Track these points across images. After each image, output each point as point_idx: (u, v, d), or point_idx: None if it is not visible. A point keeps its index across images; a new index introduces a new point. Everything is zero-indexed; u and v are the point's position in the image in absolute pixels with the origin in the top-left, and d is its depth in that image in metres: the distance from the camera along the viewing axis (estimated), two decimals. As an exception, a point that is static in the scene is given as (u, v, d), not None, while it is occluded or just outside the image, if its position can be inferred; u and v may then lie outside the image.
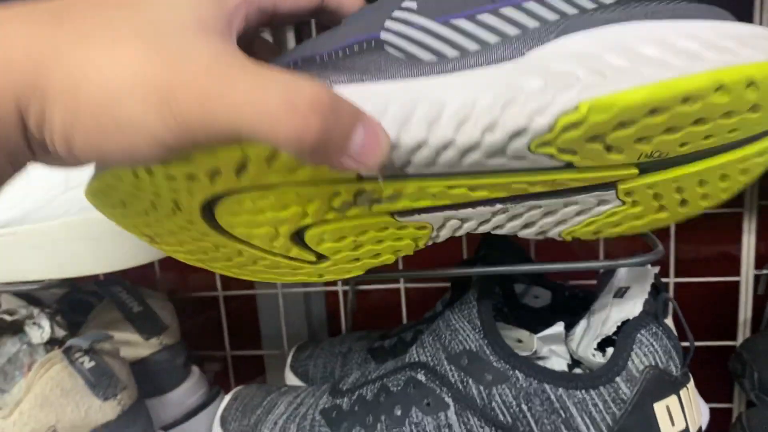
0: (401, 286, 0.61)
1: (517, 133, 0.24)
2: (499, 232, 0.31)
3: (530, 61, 0.24)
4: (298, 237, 0.29)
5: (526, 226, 0.30)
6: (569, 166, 0.26)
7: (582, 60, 0.24)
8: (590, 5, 0.25)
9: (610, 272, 0.41)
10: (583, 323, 0.39)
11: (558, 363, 0.39)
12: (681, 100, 0.23)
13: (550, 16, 0.25)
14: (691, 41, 0.23)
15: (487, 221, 0.30)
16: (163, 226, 0.29)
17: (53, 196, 0.38)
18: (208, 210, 0.28)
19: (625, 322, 0.36)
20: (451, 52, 0.25)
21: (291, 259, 0.31)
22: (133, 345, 0.50)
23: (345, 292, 0.63)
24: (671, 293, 0.58)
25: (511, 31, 0.25)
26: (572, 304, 0.46)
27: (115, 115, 0.19)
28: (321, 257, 0.31)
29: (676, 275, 0.57)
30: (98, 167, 0.26)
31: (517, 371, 0.35)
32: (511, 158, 0.25)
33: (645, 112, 0.23)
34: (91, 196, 0.28)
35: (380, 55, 0.25)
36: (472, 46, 0.25)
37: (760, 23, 0.50)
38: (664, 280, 0.57)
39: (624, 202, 0.29)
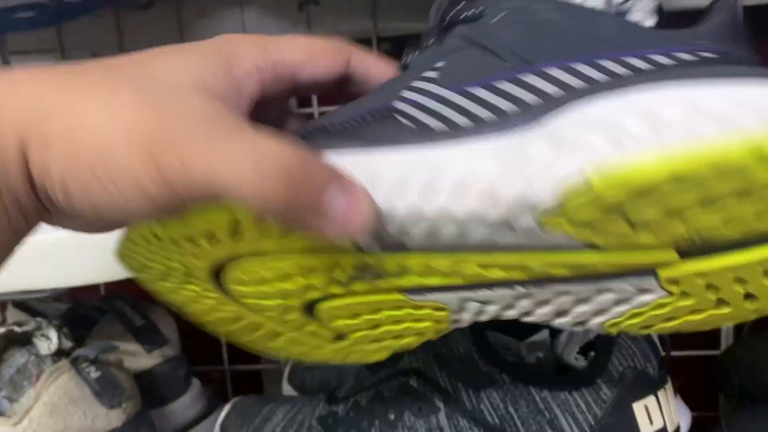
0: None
1: (519, 205, 0.21)
2: (529, 319, 0.27)
3: (543, 128, 0.22)
4: (310, 312, 0.28)
5: (558, 314, 0.26)
6: (593, 247, 0.22)
7: (595, 124, 0.20)
8: (621, 70, 0.22)
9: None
10: (567, 330, 0.41)
11: (544, 369, 0.41)
12: (713, 174, 0.19)
13: (575, 83, 0.22)
14: (728, 104, 0.19)
15: (511, 306, 0.26)
16: (184, 294, 0.29)
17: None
18: (216, 278, 0.27)
19: (606, 327, 0.38)
20: (463, 121, 0.23)
21: (310, 335, 0.29)
22: (136, 357, 0.51)
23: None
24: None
25: (530, 99, 0.23)
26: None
27: (108, 164, 0.20)
28: (339, 336, 0.29)
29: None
30: (112, 228, 0.26)
31: (504, 375, 0.37)
32: (522, 236, 0.22)
33: (668, 184, 0.19)
34: (119, 260, 0.29)
35: (389, 125, 0.24)
36: (485, 114, 0.23)
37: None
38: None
39: (671, 293, 0.24)
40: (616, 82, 0.22)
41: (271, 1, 0.57)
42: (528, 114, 0.22)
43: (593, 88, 0.22)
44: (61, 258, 0.40)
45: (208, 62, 0.23)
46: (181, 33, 0.59)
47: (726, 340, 0.58)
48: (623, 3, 0.24)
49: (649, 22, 0.24)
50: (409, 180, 0.22)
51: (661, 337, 0.45)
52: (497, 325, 0.44)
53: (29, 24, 0.56)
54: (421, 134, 0.23)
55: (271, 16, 0.58)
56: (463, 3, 0.25)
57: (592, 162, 0.20)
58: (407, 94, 0.24)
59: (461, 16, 0.25)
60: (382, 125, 0.24)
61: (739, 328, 0.57)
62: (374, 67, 0.28)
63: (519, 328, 0.43)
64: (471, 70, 0.24)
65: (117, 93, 0.21)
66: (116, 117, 0.20)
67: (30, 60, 0.62)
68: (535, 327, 0.42)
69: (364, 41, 0.63)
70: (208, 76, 0.22)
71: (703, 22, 0.24)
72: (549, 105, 0.22)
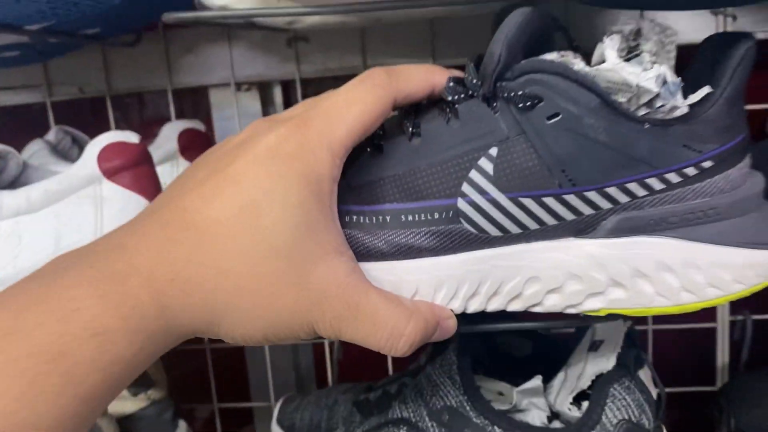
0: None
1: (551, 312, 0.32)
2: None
3: (575, 253, 0.30)
4: None
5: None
6: None
7: (615, 273, 0.30)
8: (641, 192, 0.29)
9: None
10: (560, 376, 0.41)
11: (538, 415, 0.40)
12: None
13: (604, 204, 0.29)
14: (702, 275, 0.30)
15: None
16: None
17: (45, 256, 0.39)
18: None
19: (599, 376, 0.37)
20: (514, 229, 0.30)
21: None
22: (121, 401, 0.50)
23: (331, 343, 0.64)
24: (649, 340, 0.59)
25: (568, 215, 0.30)
26: (553, 352, 0.47)
27: (277, 334, 0.28)
28: None
29: (654, 322, 0.58)
30: None
31: (495, 426, 0.36)
32: None
33: None
34: None
35: (457, 231, 0.30)
36: (532, 224, 0.30)
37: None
38: (641, 327, 0.58)
39: None
40: (632, 205, 0.30)
41: (260, 37, 0.57)
42: (565, 228, 0.30)
43: (615, 209, 0.30)
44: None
45: (309, 206, 0.27)
46: (168, 68, 0.59)
47: (721, 377, 0.58)
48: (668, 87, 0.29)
49: (682, 108, 0.29)
50: (478, 290, 0.30)
51: (653, 379, 0.44)
52: (491, 370, 0.43)
53: (15, 62, 0.55)
54: (481, 239, 0.30)
55: (259, 52, 0.58)
56: (518, 78, 0.29)
57: (606, 307, 0.31)
58: (468, 190, 0.29)
59: (515, 97, 0.28)
60: (449, 229, 0.30)
61: (734, 366, 0.57)
62: (419, 92, 0.31)
63: (512, 375, 0.42)
64: (523, 179, 0.29)
65: (275, 295, 0.27)
66: (280, 310, 0.27)
67: (16, 95, 0.62)
68: (529, 374, 0.42)
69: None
70: (313, 217, 0.27)
71: (711, 101, 0.29)
72: (581, 221, 0.30)
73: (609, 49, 0.29)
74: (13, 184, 0.45)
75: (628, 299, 0.30)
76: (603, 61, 0.30)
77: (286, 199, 0.26)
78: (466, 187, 0.29)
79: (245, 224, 0.26)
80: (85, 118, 0.64)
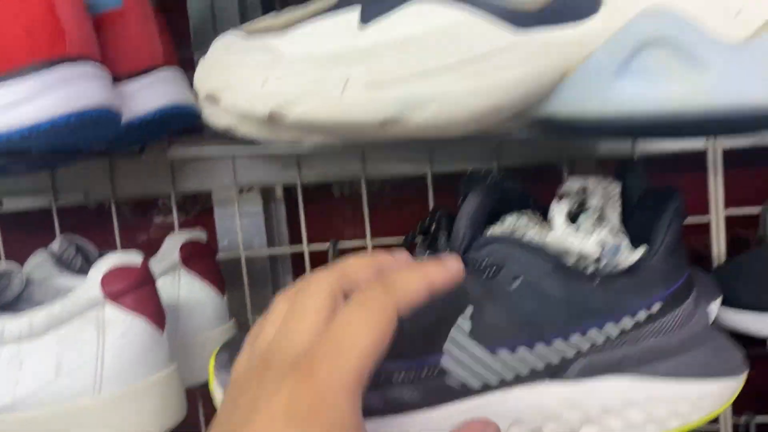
0: None
1: None
2: None
3: (550, 396, 0.33)
4: None
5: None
6: None
7: (586, 412, 0.33)
8: (600, 339, 0.33)
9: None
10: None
11: None
12: None
13: (569, 352, 0.33)
14: (663, 408, 0.33)
15: None
16: None
17: (46, 382, 0.39)
18: None
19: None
20: (493, 381, 0.33)
21: None
22: None
23: None
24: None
25: (539, 365, 0.33)
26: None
27: None
28: None
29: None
30: None
31: None
32: None
33: None
34: None
35: (442, 387, 0.32)
36: (508, 375, 0.33)
37: (715, 186, 0.53)
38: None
39: None
40: (595, 349, 0.33)
41: (262, 145, 0.58)
42: (534, 375, 0.33)
43: (581, 354, 0.33)
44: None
45: None
46: (172, 176, 0.60)
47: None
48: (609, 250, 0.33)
49: (629, 257, 0.33)
50: None
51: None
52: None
53: (20, 171, 0.56)
54: (464, 392, 0.33)
55: (261, 159, 0.59)
56: (482, 249, 0.33)
57: None
58: (450, 348, 0.32)
59: (479, 266, 0.33)
60: (436, 384, 0.32)
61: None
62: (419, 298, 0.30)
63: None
64: (498, 333, 0.32)
65: None
66: None
67: (21, 201, 0.63)
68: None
69: (354, 183, 0.64)
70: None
71: (652, 252, 0.33)
72: (552, 367, 0.33)
73: (557, 215, 0.33)
74: (16, 300, 0.46)
75: None
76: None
77: None
78: (449, 345, 0.32)
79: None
80: (90, 223, 0.65)
